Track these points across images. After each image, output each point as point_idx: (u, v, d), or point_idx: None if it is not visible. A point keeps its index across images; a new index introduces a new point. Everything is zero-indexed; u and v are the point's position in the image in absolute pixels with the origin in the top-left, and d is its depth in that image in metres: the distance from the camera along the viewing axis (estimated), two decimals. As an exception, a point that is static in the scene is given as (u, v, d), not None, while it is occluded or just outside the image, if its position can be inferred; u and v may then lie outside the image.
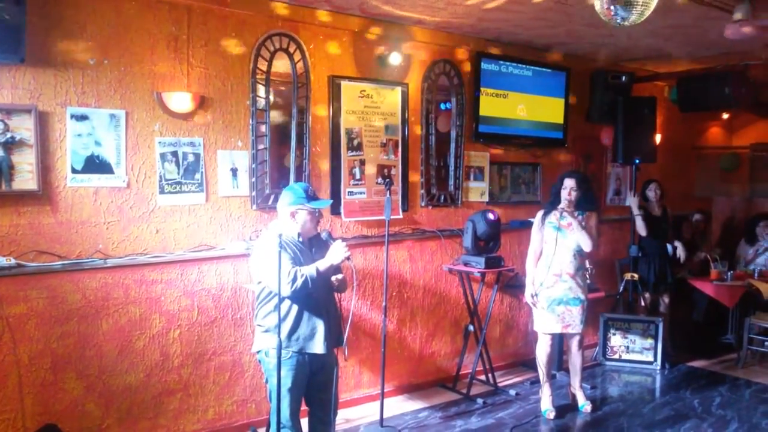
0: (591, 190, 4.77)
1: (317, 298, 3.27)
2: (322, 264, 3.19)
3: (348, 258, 3.20)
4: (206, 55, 4.01)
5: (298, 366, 3.25)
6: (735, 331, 6.29)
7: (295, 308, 3.23)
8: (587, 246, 4.52)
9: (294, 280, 3.08)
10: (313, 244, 3.37)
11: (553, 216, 4.63)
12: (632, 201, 5.95)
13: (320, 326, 3.27)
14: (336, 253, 3.20)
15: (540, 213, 4.73)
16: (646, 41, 5.33)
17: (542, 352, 4.69)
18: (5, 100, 3.36)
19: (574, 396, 4.86)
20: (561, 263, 4.56)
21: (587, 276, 4.83)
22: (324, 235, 3.37)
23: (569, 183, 4.58)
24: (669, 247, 5.99)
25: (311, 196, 3.31)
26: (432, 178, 5.18)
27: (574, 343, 4.72)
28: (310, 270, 3.15)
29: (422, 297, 5.18)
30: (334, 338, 3.34)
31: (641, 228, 5.84)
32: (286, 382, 3.21)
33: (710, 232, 7.65)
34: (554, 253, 4.56)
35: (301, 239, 3.32)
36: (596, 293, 5.48)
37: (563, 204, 4.55)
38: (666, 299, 6.04)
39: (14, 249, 3.43)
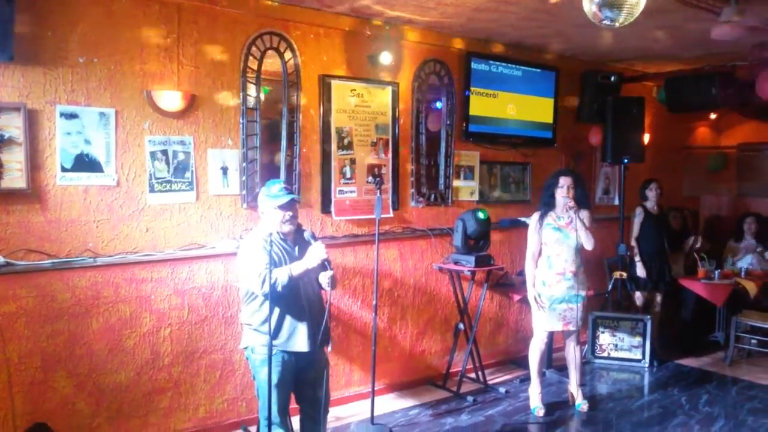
0: (584, 188, 4.78)
1: (299, 296, 3.26)
2: (296, 268, 3.14)
3: (326, 261, 3.12)
4: (196, 53, 4.01)
5: (284, 363, 3.26)
6: (723, 329, 6.35)
7: (277, 307, 3.22)
8: (590, 245, 4.54)
9: (263, 282, 3.07)
10: (297, 243, 3.35)
11: (550, 217, 4.61)
12: (640, 270, 5.97)
13: (302, 325, 3.26)
14: (312, 257, 3.13)
15: (536, 215, 4.67)
16: (634, 42, 5.38)
17: (536, 349, 4.69)
18: (-6, 98, 3.35)
19: (572, 395, 4.85)
20: (564, 262, 4.55)
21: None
22: (306, 236, 3.28)
23: (566, 181, 4.56)
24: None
25: (274, 193, 3.25)
26: (422, 177, 5.20)
27: (572, 341, 4.73)
28: (281, 273, 3.11)
29: (412, 295, 5.20)
30: (320, 336, 3.29)
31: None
32: (273, 379, 3.20)
33: (699, 226, 7.76)
34: (558, 253, 4.55)
35: (283, 237, 3.31)
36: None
37: (567, 203, 4.48)
38: (659, 297, 6.08)
39: (3, 247, 3.42)
